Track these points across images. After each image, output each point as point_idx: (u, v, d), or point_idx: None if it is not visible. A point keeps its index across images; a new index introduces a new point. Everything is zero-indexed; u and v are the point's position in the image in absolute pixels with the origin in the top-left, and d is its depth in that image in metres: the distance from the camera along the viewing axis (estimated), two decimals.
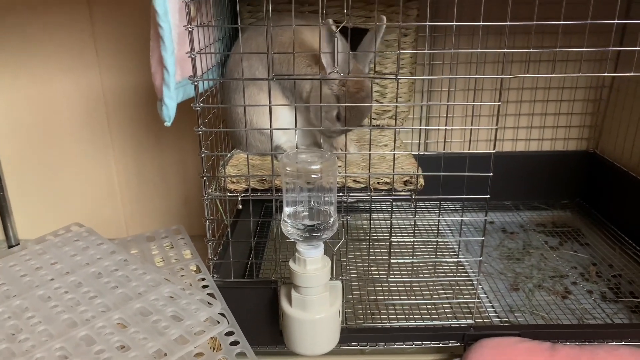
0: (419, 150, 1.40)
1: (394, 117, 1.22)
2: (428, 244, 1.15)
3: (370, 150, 0.87)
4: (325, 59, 0.89)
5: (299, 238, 0.79)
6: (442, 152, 0.85)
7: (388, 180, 0.90)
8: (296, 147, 1.01)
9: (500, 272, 1.15)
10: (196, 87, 0.87)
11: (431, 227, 1.31)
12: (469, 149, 0.83)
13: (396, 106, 1.00)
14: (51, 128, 1.40)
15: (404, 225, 1.31)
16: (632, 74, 0.80)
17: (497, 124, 0.81)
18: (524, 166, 1.45)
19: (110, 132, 1.41)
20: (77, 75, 1.36)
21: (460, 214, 1.34)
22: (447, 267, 1.10)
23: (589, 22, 0.76)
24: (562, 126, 1.46)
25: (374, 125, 1.22)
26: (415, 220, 0.97)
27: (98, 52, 1.35)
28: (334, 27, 0.83)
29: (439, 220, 1.11)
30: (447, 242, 1.21)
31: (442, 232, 1.30)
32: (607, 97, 1.42)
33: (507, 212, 1.44)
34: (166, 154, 1.43)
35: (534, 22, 0.76)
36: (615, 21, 0.77)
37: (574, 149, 1.48)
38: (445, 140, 1.31)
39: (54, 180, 1.45)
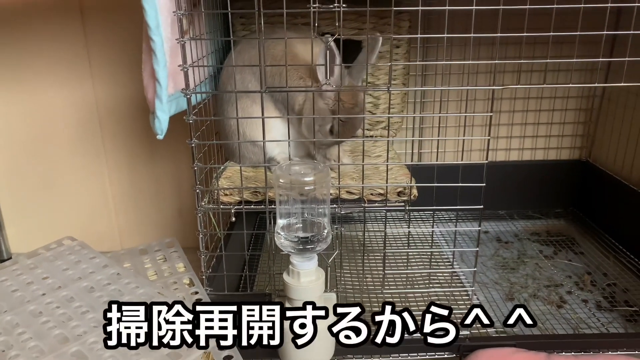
0: (412, 160, 1.41)
1: (387, 128, 1.23)
2: (423, 255, 1.15)
3: (363, 162, 0.88)
4: (319, 72, 0.90)
5: (292, 250, 0.78)
6: (435, 162, 0.85)
7: (382, 192, 0.90)
8: (289, 159, 1.01)
9: (495, 282, 1.14)
10: (189, 100, 0.86)
11: (426, 237, 1.30)
12: (462, 160, 0.84)
13: (388, 118, 1.00)
14: (44, 140, 1.39)
15: (399, 235, 1.31)
16: (622, 84, 0.81)
17: (489, 135, 0.81)
18: (517, 175, 1.46)
19: (103, 144, 1.41)
20: (71, 87, 1.36)
21: (455, 224, 1.34)
22: (442, 278, 1.10)
23: (578, 33, 0.76)
24: (554, 135, 1.46)
25: (367, 136, 1.22)
26: (409, 230, 0.97)
27: (91, 64, 1.35)
28: (327, 40, 0.84)
29: (432, 231, 1.11)
30: (442, 252, 1.21)
31: (436, 242, 1.30)
32: (598, 107, 1.43)
33: (501, 221, 1.44)
34: (160, 166, 1.42)
35: (524, 34, 0.76)
36: (605, 32, 0.78)
37: (567, 158, 1.49)
38: (438, 150, 1.31)
39: (47, 192, 1.44)
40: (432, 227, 1.18)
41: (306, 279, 0.79)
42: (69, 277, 0.88)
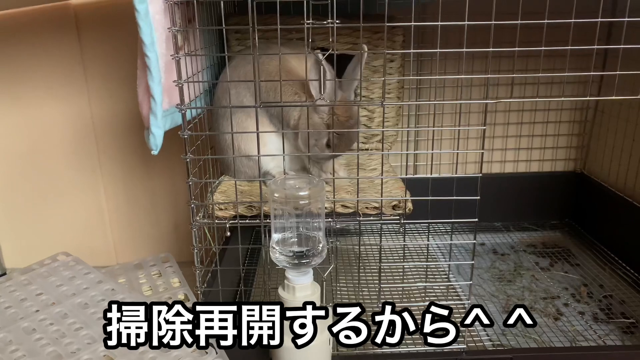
0: (406, 173, 1.41)
1: (382, 139, 1.23)
2: (419, 268, 1.15)
3: (358, 175, 0.88)
4: (313, 87, 0.90)
5: (287, 265, 0.78)
6: (429, 175, 0.85)
7: (377, 205, 0.90)
8: (284, 173, 1.01)
9: (492, 295, 1.14)
10: (183, 116, 0.86)
11: (422, 250, 1.30)
12: (456, 173, 0.84)
13: (382, 132, 1.01)
14: (40, 155, 1.39)
15: (395, 247, 1.30)
16: (613, 97, 0.82)
17: (482, 148, 0.82)
18: (513, 187, 1.46)
19: (99, 159, 1.41)
20: (66, 102, 1.36)
21: (450, 236, 1.34)
22: (439, 290, 1.10)
23: (569, 47, 0.77)
24: (549, 147, 1.47)
25: (361, 150, 1.23)
26: (404, 244, 0.97)
27: (87, 79, 1.35)
28: (320, 56, 0.85)
29: (428, 244, 1.10)
30: (438, 265, 1.20)
31: (432, 255, 1.30)
32: (592, 119, 1.44)
33: (497, 233, 1.44)
34: (156, 180, 1.42)
35: (516, 48, 0.77)
36: (595, 47, 0.78)
37: (562, 169, 1.50)
38: (432, 163, 1.32)
39: (42, 207, 1.43)
40: (427, 241, 1.17)
41: (302, 293, 0.79)
42: (63, 294, 0.87)
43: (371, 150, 1.25)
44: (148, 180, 1.43)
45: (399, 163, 1.44)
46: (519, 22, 0.76)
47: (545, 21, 0.76)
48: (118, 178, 1.42)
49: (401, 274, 1.12)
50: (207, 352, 0.74)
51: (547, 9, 0.74)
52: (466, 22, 0.75)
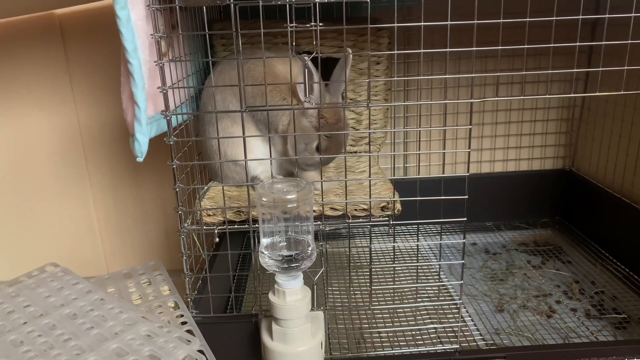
0: (394, 174, 1.41)
1: (369, 143, 1.23)
2: (411, 269, 1.15)
3: (346, 177, 0.88)
4: (300, 90, 0.90)
5: (277, 269, 0.77)
6: (417, 176, 0.85)
7: (365, 207, 0.90)
8: (272, 177, 1.01)
9: (484, 294, 1.14)
10: (169, 122, 0.86)
11: (413, 250, 1.30)
12: (444, 173, 0.84)
13: (369, 133, 1.01)
14: (26, 165, 1.38)
15: (386, 249, 1.30)
16: (598, 94, 0.82)
17: (469, 147, 0.82)
18: (503, 186, 1.47)
19: (87, 168, 1.39)
20: (53, 111, 1.36)
21: (440, 237, 1.34)
22: (431, 291, 1.10)
23: (552, 45, 0.78)
24: (537, 146, 1.48)
25: (350, 152, 1.22)
26: (394, 245, 0.97)
27: (73, 87, 1.34)
28: (305, 58, 0.84)
29: (417, 245, 1.10)
30: (429, 265, 1.20)
31: (424, 255, 1.30)
32: (579, 116, 1.45)
33: (489, 232, 1.45)
34: (145, 188, 1.42)
35: (500, 47, 0.77)
36: (577, 44, 0.79)
37: (551, 167, 1.50)
38: (419, 165, 1.32)
39: (31, 218, 1.42)
40: (417, 242, 1.17)
41: (292, 297, 0.78)
42: (51, 305, 0.86)
43: (360, 152, 1.25)
44: (137, 188, 1.42)
45: (388, 165, 1.44)
46: (501, 21, 0.76)
47: (528, 19, 0.76)
48: (107, 187, 1.41)
49: (392, 275, 1.12)
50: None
51: (529, 7, 0.75)
52: (449, 22, 0.76)
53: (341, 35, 1.12)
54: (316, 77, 0.89)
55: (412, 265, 1.06)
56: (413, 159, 1.46)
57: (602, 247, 1.30)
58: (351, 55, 0.90)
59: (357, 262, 1.19)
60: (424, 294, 1.07)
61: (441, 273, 1.19)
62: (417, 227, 0.93)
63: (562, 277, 1.20)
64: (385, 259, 1.26)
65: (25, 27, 1.30)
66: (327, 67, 0.93)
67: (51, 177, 1.39)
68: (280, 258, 0.78)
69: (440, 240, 0.97)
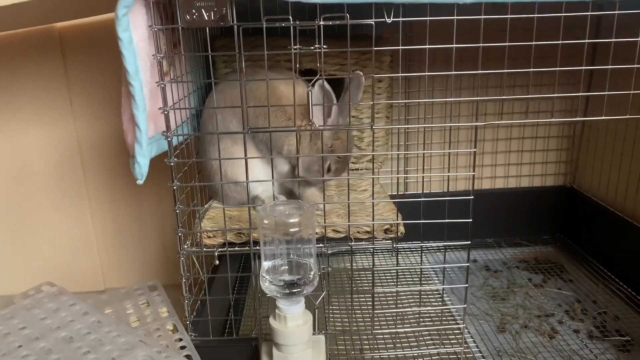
0: (397, 191, 1.40)
1: (372, 161, 1.22)
2: (413, 291, 1.12)
3: (349, 199, 0.86)
4: (316, 114, 0.90)
5: (278, 295, 0.76)
6: (420, 192, 0.84)
7: (368, 229, 0.88)
8: (274, 199, 1.00)
9: (485, 313, 1.12)
10: (169, 143, 0.85)
11: (415, 269, 1.28)
12: (447, 190, 0.82)
13: (373, 155, 1.00)
14: (25, 180, 1.36)
15: (387, 267, 1.28)
16: (603, 117, 0.81)
17: (474, 171, 0.81)
18: (503, 203, 1.45)
19: (85, 183, 1.38)
20: (51, 125, 1.34)
21: (443, 259, 1.31)
22: (434, 313, 1.08)
23: (557, 69, 0.77)
24: (538, 162, 1.47)
25: (351, 169, 1.21)
26: (397, 269, 0.95)
27: (73, 102, 1.33)
28: (314, 88, 0.84)
29: (421, 269, 1.08)
30: (431, 289, 1.18)
31: (426, 274, 1.28)
32: (580, 133, 1.44)
33: (489, 249, 1.43)
34: (143, 203, 1.40)
35: (505, 70, 0.76)
36: (583, 67, 0.78)
37: (552, 184, 1.49)
38: (423, 186, 1.30)
39: (28, 232, 1.40)
40: (421, 264, 1.15)
41: (293, 323, 0.77)
42: (47, 327, 0.84)
43: (361, 170, 1.24)
44: (135, 203, 1.40)
45: (389, 181, 1.43)
46: (507, 44, 0.75)
47: (533, 43, 0.75)
48: (105, 202, 1.40)
49: (395, 297, 1.10)
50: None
51: (534, 33, 0.74)
52: (454, 45, 0.75)
53: (343, 53, 1.12)
54: (334, 99, 0.89)
55: (415, 289, 1.04)
56: (413, 174, 1.45)
57: (604, 265, 1.28)
58: (363, 78, 0.90)
59: (359, 282, 1.16)
60: (426, 315, 1.06)
61: (443, 293, 1.17)
62: (420, 250, 0.91)
63: (564, 297, 1.19)
64: (386, 276, 1.24)
65: (25, 40, 1.29)
66: (332, 86, 0.92)
67: (49, 192, 1.37)
68: (282, 283, 0.76)
69: (444, 264, 0.95)
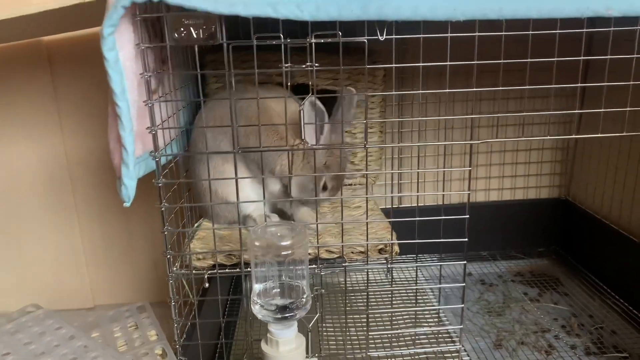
0: (391, 204, 1.38)
1: (366, 177, 1.20)
2: (407, 302, 1.10)
3: (342, 219, 0.84)
4: (308, 133, 0.87)
5: (270, 319, 0.73)
6: (414, 205, 0.82)
7: (362, 249, 0.86)
8: (265, 216, 0.97)
9: (481, 329, 1.10)
10: (157, 163, 0.82)
11: (408, 281, 1.26)
12: (442, 213, 0.80)
13: (367, 175, 0.98)
14: (12, 195, 1.32)
15: (383, 284, 1.26)
16: (599, 135, 0.80)
17: (469, 189, 0.79)
18: (498, 215, 1.43)
19: (74, 198, 1.34)
20: (39, 139, 1.31)
21: (439, 270, 1.30)
22: (430, 331, 1.05)
23: (553, 86, 0.75)
24: (533, 174, 1.45)
25: (345, 185, 1.19)
26: (392, 289, 0.93)
27: (61, 117, 1.30)
28: (305, 105, 0.82)
29: (416, 289, 1.06)
30: (427, 309, 1.15)
31: (421, 291, 1.25)
32: (574, 145, 1.43)
33: (484, 262, 1.41)
34: (133, 218, 1.37)
35: (500, 88, 0.75)
36: (579, 84, 0.76)
37: (547, 196, 1.47)
38: (417, 199, 1.28)
39: (16, 248, 1.36)
40: (416, 285, 1.13)
41: (285, 347, 0.74)
42: (31, 353, 0.81)
43: (355, 185, 1.22)
44: (125, 219, 1.37)
45: (382, 194, 1.41)
46: (501, 61, 0.74)
47: (529, 60, 0.74)
48: (94, 217, 1.36)
49: (390, 316, 1.07)
50: None
51: (529, 50, 0.72)
52: (448, 63, 0.73)
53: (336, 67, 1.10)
54: (326, 117, 0.88)
55: (410, 310, 1.01)
56: (406, 187, 1.43)
57: (599, 279, 1.27)
58: (356, 96, 0.88)
59: (353, 298, 1.14)
60: (422, 334, 1.03)
61: (440, 312, 1.15)
62: (415, 270, 0.88)
63: (560, 311, 1.17)
64: (382, 295, 1.21)
65: (11, 54, 1.26)
66: (323, 102, 0.90)
67: (37, 207, 1.34)
68: (273, 308, 0.73)
69: (440, 285, 0.93)
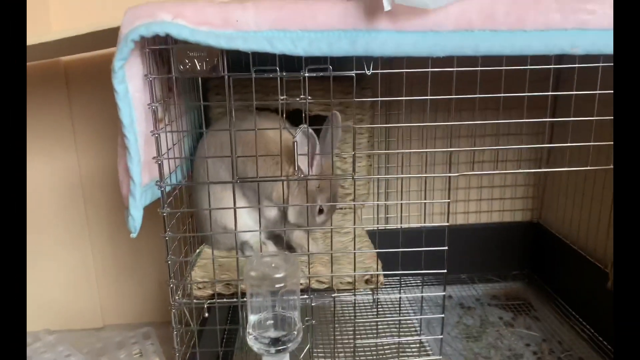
0: (377, 223, 1.42)
1: (354, 208, 1.24)
2: (394, 328, 1.10)
3: (332, 248, 0.87)
4: (302, 163, 0.91)
5: (264, 352, 0.75)
6: (399, 249, 0.86)
7: (350, 280, 0.90)
8: (261, 245, 1.01)
9: (459, 353, 1.12)
10: (162, 193, 0.84)
11: (393, 304, 1.27)
12: (424, 246, 0.84)
13: (354, 205, 1.03)
14: (28, 212, 1.33)
15: (368, 302, 1.25)
16: (564, 169, 0.85)
17: (447, 222, 0.83)
18: (476, 238, 1.45)
19: (87, 217, 1.35)
20: (54, 157, 1.31)
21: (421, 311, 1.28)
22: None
23: (524, 120, 0.81)
24: (508, 198, 1.47)
25: (338, 209, 1.23)
26: (377, 321, 0.97)
27: (76, 136, 1.30)
28: (294, 139, 0.85)
29: (399, 321, 1.09)
30: (412, 339, 1.16)
31: (404, 312, 1.28)
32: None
33: (463, 285, 1.43)
34: (143, 238, 1.38)
35: (477, 122, 0.79)
36: (547, 119, 0.81)
37: (520, 219, 1.49)
38: (401, 230, 1.30)
39: (31, 265, 1.36)
40: (399, 316, 1.16)
41: None
42: None
43: (345, 209, 1.26)
44: (133, 240, 1.37)
45: (370, 215, 1.44)
46: (477, 95, 0.79)
47: (502, 95, 0.79)
48: (105, 236, 1.37)
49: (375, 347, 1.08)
50: None
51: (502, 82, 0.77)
52: (429, 97, 0.78)
53: (327, 93, 1.11)
54: (318, 148, 0.91)
55: (393, 342, 1.05)
56: (392, 209, 1.46)
57: (568, 304, 1.28)
58: (340, 119, 0.92)
59: (343, 324, 1.17)
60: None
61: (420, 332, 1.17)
62: (399, 301, 0.92)
63: (532, 337, 1.19)
64: (367, 321, 1.19)
65: (30, 71, 1.27)
66: (317, 125, 0.94)
67: (49, 224, 1.34)
68: (267, 341, 0.75)
69: (421, 315, 0.98)
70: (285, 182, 0.94)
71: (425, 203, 1.43)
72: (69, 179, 1.33)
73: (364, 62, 0.79)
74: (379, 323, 0.94)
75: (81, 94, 1.29)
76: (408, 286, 1.42)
